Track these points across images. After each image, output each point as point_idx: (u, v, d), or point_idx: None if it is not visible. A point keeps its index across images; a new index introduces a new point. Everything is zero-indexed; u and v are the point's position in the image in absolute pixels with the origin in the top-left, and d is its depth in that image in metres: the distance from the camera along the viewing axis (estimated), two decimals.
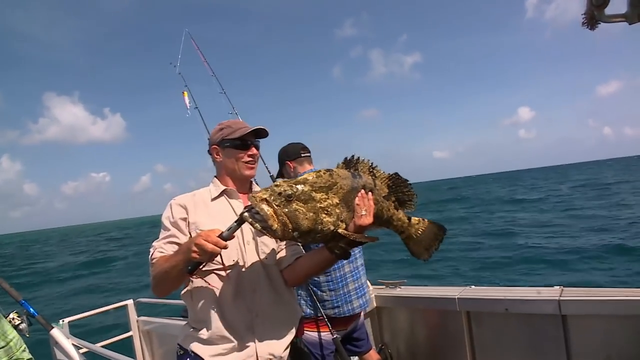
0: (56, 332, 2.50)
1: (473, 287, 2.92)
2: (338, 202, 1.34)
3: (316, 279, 2.40)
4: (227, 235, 1.29)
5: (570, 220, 17.52)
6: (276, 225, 1.21)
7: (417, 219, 1.64)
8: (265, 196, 1.24)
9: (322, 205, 1.30)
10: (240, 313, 1.52)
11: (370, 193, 1.41)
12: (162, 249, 1.55)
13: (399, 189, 1.56)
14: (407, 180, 1.56)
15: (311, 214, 1.26)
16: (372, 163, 1.53)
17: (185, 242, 1.43)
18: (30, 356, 1.42)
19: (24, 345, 1.42)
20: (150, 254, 1.56)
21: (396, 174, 1.55)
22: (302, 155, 2.52)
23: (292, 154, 2.51)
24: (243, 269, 1.55)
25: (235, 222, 1.29)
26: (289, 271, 1.61)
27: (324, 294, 2.40)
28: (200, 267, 1.38)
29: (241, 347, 1.50)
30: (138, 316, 3.35)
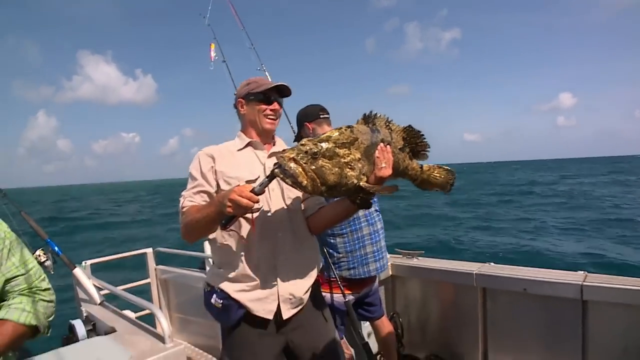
0: (78, 272, 2.59)
1: (492, 264, 2.87)
2: (360, 156, 1.40)
3: (332, 240, 2.39)
4: (259, 190, 1.33)
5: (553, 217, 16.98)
6: (306, 182, 1.29)
7: (427, 165, 1.72)
8: (293, 155, 1.30)
9: (345, 161, 1.36)
10: (265, 254, 1.60)
11: (388, 146, 1.47)
12: (191, 198, 1.62)
13: (413, 140, 1.62)
14: (421, 132, 1.62)
15: (336, 169, 1.33)
16: (387, 117, 1.57)
17: (217, 196, 1.50)
18: (48, 286, 1.44)
19: (44, 275, 1.44)
20: (180, 202, 1.63)
21: (410, 126, 1.61)
22: (321, 116, 2.47)
23: (310, 116, 2.47)
24: (268, 214, 1.62)
25: (267, 177, 1.35)
26: (313, 219, 1.71)
27: (340, 254, 2.39)
28: (234, 220, 1.42)
29: (264, 285, 1.60)
30: (156, 265, 3.44)
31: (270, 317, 1.60)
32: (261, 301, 1.59)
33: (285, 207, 1.66)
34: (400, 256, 3.25)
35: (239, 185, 1.39)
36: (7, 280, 1.30)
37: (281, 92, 1.76)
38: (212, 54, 3.48)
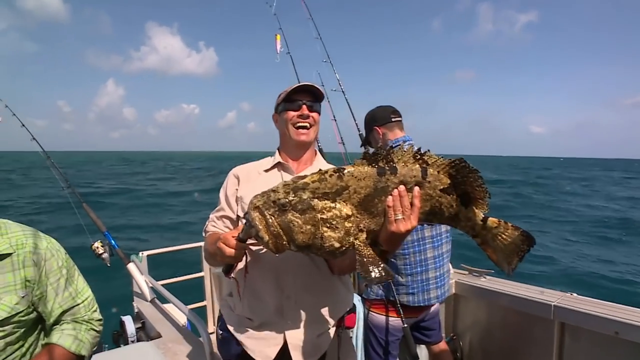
0: (132, 267, 2.61)
1: (575, 295, 2.48)
2: (350, 212, 1.10)
3: (393, 260, 2.16)
4: (243, 237, 1.17)
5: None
6: (267, 237, 1.08)
7: (495, 219, 1.22)
8: (259, 203, 1.10)
9: (324, 217, 1.08)
10: (270, 293, 1.42)
11: (416, 188, 1.11)
12: (214, 222, 1.53)
13: (466, 180, 1.15)
14: (477, 170, 1.14)
15: (308, 227, 1.08)
16: (419, 148, 1.16)
17: (216, 236, 1.34)
18: (100, 317, 1.42)
19: (96, 306, 1.41)
20: (205, 225, 1.56)
21: (461, 159, 1.14)
22: (393, 119, 2.22)
23: (380, 119, 2.23)
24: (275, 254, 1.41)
25: (245, 223, 1.16)
26: (331, 261, 1.45)
27: (400, 277, 2.16)
28: (234, 267, 1.32)
29: (267, 327, 1.42)
30: (207, 264, 3.43)
31: (269, 357, 1.40)
32: (260, 343, 1.41)
33: None
34: (466, 273, 2.95)
35: (222, 233, 1.28)
36: (64, 312, 1.29)
37: (314, 95, 1.50)
38: (278, 45, 3.33)
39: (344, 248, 1.10)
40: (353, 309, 1.62)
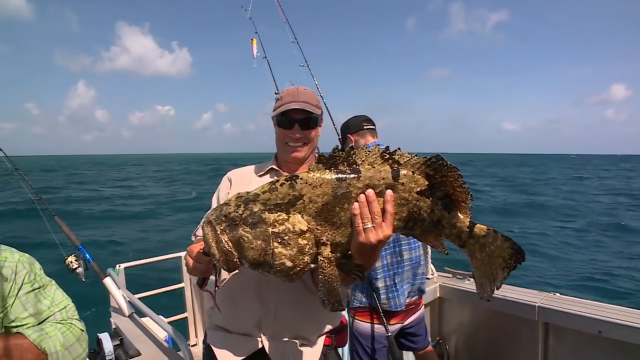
0: (108, 281, 2.51)
1: (559, 295, 2.50)
2: (305, 228, 0.98)
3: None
4: (207, 250, 1.05)
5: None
6: (217, 254, 1.00)
7: (484, 227, 1.06)
8: (211, 218, 1.02)
9: (275, 230, 0.97)
10: (249, 305, 1.35)
11: (388, 191, 0.98)
12: None
13: (445, 180, 1.00)
14: (456, 168, 0.98)
15: (259, 242, 0.97)
16: (387, 147, 1.02)
17: (192, 246, 1.28)
18: (82, 326, 1.33)
19: (77, 315, 1.34)
20: (196, 228, 1.47)
21: (438, 157, 0.99)
22: (365, 127, 2.31)
23: (353, 127, 2.32)
24: None
25: None
26: (315, 274, 1.36)
27: (379, 281, 2.16)
28: (206, 280, 1.27)
29: (248, 341, 1.35)
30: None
31: None
32: (230, 349, 1.34)
33: None
34: (450, 276, 2.95)
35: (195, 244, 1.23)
36: (42, 322, 1.22)
37: (311, 111, 1.39)
38: (254, 50, 3.28)
39: (297, 268, 0.98)
40: (344, 327, 1.54)
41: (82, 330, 1.33)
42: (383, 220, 0.97)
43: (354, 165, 1.00)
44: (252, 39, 3.30)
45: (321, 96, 3.00)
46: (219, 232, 1.00)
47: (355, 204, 0.98)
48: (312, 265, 1.03)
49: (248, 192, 1.03)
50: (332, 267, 1.01)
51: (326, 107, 2.96)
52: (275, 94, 3.17)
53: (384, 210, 0.98)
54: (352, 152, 1.01)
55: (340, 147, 1.04)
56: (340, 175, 1.00)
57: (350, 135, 2.31)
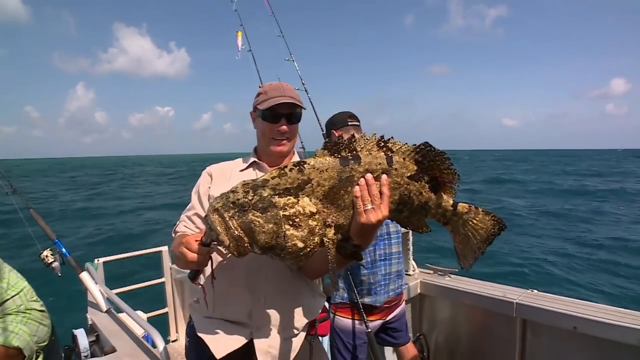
0: (85, 276, 2.46)
1: (536, 291, 2.54)
2: (315, 209, 1.03)
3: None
4: (206, 241, 1.10)
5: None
6: (228, 240, 1.00)
7: (465, 205, 1.19)
8: (218, 205, 1.03)
9: (286, 214, 1.01)
10: (239, 295, 1.35)
11: (384, 176, 1.06)
12: (185, 222, 1.46)
13: (432, 164, 1.12)
14: (444, 153, 1.11)
15: (270, 226, 1.00)
16: (381, 136, 1.11)
17: (181, 239, 1.25)
18: (43, 308, 1.37)
19: (36, 297, 1.36)
20: (176, 224, 1.48)
21: (426, 143, 1.11)
22: (349, 123, 2.28)
23: (338, 123, 2.29)
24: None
25: (207, 226, 1.09)
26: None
27: (363, 277, 2.18)
28: (199, 273, 1.25)
29: (236, 331, 1.34)
30: (172, 263, 3.30)
31: (227, 351, 1.31)
32: (221, 339, 1.33)
33: None
34: (431, 272, 2.97)
35: (188, 235, 1.22)
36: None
37: (296, 106, 1.44)
38: (239, 42, 3.25)
39: (307, 249, 1.03)
40: (327, 317, 1.56)
41: (42, 311, 1.35)
42: (381, 202, 1.05)
43: (355, 152, 1.08)
44: (237, 31, 3.27)
45: (305, 90, 2.99)
46: (227, 218, 1.00)
47: (357, 187, 1.05)
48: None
49: (254, 179, 1.07)
50: (335, 249, 1.08)
51: (310, 102, 2.95)
52: (260, 87, 3.14)
53: (381, 193, 1.05)
54: (353, 139, 1.09)
55: (325, 142, 1.07)
56: (343, 161, 1.07)
57: (334, 131, 2.29)
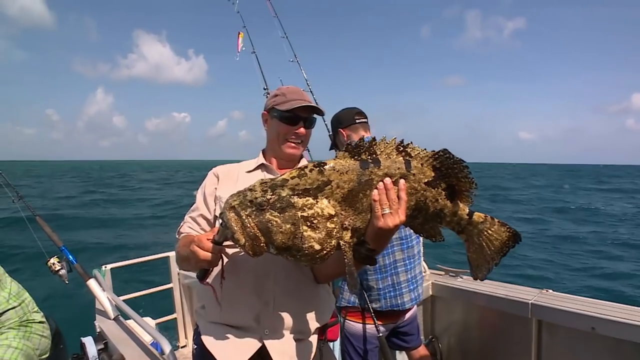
0: (93, 283, 2.44)
1: (551, 291, 2.48)
2: (333, 212, 1.02)
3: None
4: (219, 239, 1.08)
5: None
6: (243, 240, 1.00)
7: (481, 215, 1.17)
8: (234, 203, 1.02)
9: (304, 214, 1.00)
10: (246, 298, 1.31)
11: (402, 181, 1.05)
12: (190, 223, 1.44)
13: (450, 171, 1.11)
14: (462, 161, 1.10)
15: (288, 226, 0.99)
16: (401, 140, 1.10)
17: (188, 240, 1.23)
18: (43, 319, 1.36)
19: (37, 307, 1.36)
20: (180, 226, 1.46)
21: (445, 150, 1.10)
22: (357, 121, 2.20)
23: (345, 121, 2.21)
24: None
25: (221, 224, 1.07)
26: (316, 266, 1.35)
27: (371, 282, 2.10)
28: (209, 273, 1.23)
29: (245, 335, 1.31)
30: (179, 269, 3.28)
31: None
32: (230, 349, 1.29)
33: None
34: (442, 273, 2.92)
35: (199, 234, 1.20)
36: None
37: (314, 111, 1.45)
38: (240, 44, 3.23)
39: (324, 252, 1.02)
40: (336, 322, 1.53)
41: (42, 322, 1.34)
42: (399, 207, 1.04)
43: (374, 155, 1.07)
44: (239, 33, 3.25)
45: (311, 91, 2.96)
46: (244, 217, 1.00)
47: (375, 191, 1.04)
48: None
49: (273, 179, 1.05)
50: (351, 252, 1.07)
51: (315, 102, 2.92)
52: (264, 89, 3.12)
53: (399, 198, 1.05)
54: (374, 142, 1.08)
55: (332, 141, 1.05)
56: (363, 164, 1.06)
57: (342, 130, 2.21)
